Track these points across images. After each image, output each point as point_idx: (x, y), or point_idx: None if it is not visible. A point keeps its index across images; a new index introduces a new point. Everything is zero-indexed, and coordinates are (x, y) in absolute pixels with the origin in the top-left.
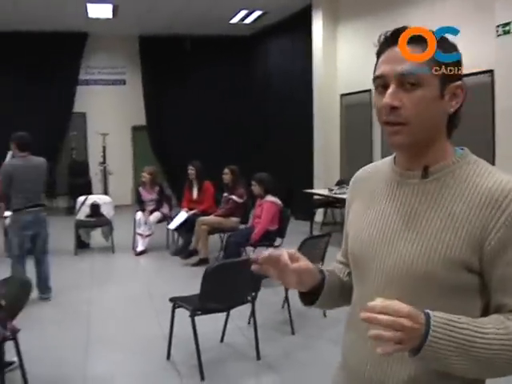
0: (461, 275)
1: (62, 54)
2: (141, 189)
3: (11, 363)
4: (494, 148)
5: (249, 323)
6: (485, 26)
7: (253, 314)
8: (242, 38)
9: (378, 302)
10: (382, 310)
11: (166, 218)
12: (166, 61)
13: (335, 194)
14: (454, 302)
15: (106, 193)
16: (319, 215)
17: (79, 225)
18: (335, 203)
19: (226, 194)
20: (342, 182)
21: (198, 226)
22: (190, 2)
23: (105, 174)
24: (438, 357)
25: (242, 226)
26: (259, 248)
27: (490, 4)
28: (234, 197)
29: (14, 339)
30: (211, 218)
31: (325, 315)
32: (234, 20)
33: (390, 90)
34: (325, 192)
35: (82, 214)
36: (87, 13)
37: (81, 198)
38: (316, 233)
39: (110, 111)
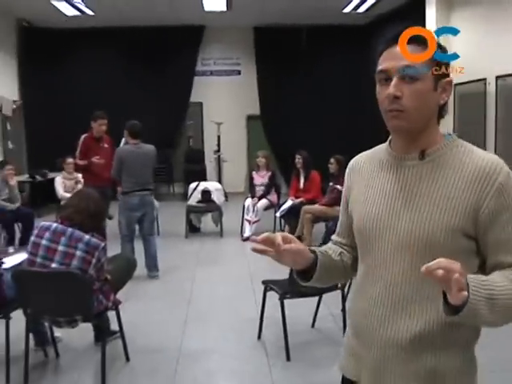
0: (460, 241)
1: (180, 46)
2: (254, 172)
3: (115, 332)
4: None
5: (342, 310)
6: None
7: (343, 300)
8: (357, 28)
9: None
10: (441, 266)
11: (274, 206)
12: (280, 51)
13: None
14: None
15: (219, 180)
16: None
17: (190, 210)
18: None
19: (331, 184)
20: None
21: (303, 214)
22: None
23: (219, 162)
24: (475, 313)
25: None
26: None
27: None
28: (338, 186)
29: (116, 310)
30: (316, 206)
31: None
32: (347, 9)
33: (393, 83)
34: None
35: (194, 199)
36: (203, 6)
37: (193, 185)
38: None
39: (225, 101)
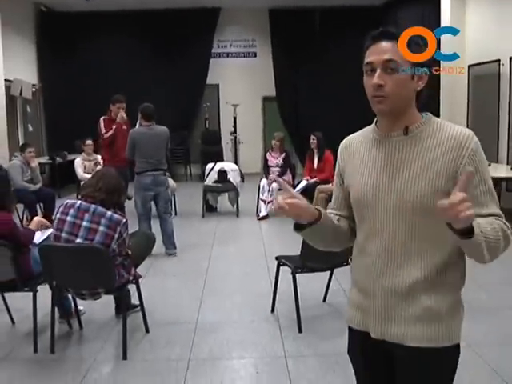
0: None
1: (196, 29)
2: (268, 154)
3: (136, 306)
4: None
5: None
6: None
7: None
8: (373, 8)
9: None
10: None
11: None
12: (295, 33)
13: None
14: (441, 220)
15: (236, 161)
16: None
17: (207, 190)
18: None
19: None
20: None
21: (317, 193)
22: None
23: (235, 143)
24: (479, 243)
25: None
26: None
27: None
28: None
29: (137, 284)
30: (329, 186)
31: None
32: None
33: (377, 73)
34: None
35: (210, 179)
36: None
37: (209, 165)
38: None
39: (241, 83)
